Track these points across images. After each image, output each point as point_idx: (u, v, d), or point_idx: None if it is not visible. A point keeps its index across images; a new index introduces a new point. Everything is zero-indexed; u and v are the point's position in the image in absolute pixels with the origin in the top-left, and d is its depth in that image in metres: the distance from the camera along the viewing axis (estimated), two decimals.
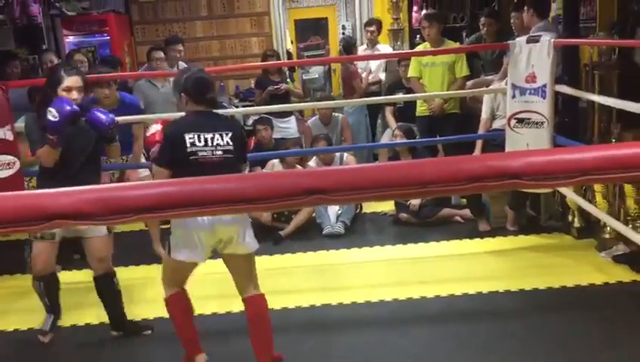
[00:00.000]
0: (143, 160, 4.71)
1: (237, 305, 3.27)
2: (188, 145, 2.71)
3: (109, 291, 3.48)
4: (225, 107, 6.25)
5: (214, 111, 2.92)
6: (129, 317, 3.70)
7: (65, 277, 4.47)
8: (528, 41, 4.15)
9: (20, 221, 0.69)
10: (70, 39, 6.91)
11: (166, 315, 3.69)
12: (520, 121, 4.24)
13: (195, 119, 2.82)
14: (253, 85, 6.64)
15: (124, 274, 4.44)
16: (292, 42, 9.22)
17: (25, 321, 3.77)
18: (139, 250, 4.81)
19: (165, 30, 7.46)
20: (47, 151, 3.16)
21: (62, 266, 4.57)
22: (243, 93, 7.33)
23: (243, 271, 2.96)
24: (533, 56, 4.10)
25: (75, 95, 3.10)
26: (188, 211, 0.70)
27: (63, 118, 2.97)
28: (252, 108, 6.10)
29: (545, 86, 4.06)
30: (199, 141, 2.72)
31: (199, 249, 2.82)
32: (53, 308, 3.54)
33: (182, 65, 5.80)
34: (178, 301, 3.01)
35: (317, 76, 9.45)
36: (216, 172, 2.64)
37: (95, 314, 3.77)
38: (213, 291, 3.79)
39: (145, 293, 4.11)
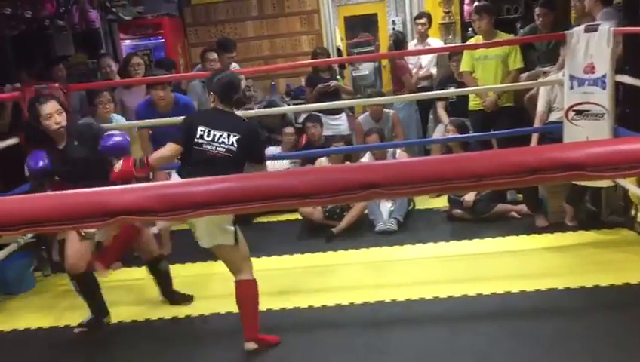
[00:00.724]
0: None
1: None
2: (197, 135, 3.07)
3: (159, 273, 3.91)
4: (278, 105, 6.29)
5: (235, 112, 3.20)
6: (193, 314, 3.79)
7: (126, 274, 4.63)
8: (587, 30, 4.02)
9: (85, 217, 0.72)
10: (126, 43, 7.11)
11: (222, 311, 3.79)
12: (579, 112, 4.11)
13: (213, 115, 3.16)
14: (303, 83, 6.67)
15: (184, 271, 4.56)
16: (342, 39, 9.21)
17: (87, 316, 3.90)
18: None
19: (217, 31, 7.57)
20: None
21: (122, 264, 4.74)
22: (294, 91, 7.37)
23: (224, 260, 3.24)
24: (592, 45, 3.97)
25: (57, 119, 3.36)
26: (246, 206, 0.71)
27: (33, 173, 3.44)
28: (303, 106, 6.12)
29: (604, 76, 3.92)
30: (208, 135, 3.05)
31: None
32: (91, 306, 3.64)
33: (234, 66, 5.89)
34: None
35: (367, 73, 9.40)
36: (213, 163, 3.00)
37: (153, 309, 3.89)
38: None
39: (202, 290, 4.19)
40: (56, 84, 4.29)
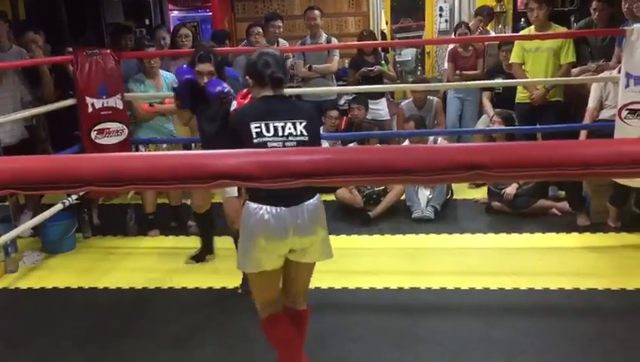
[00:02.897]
0: None
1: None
2: (254, 135, 2.43)
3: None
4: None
5: (286, 96, 2.65)
6: (220, 285, 3.85)
7: (163, 242, 4.71)
8: None
9: (187, 178, 0.72)
10: (174, 14, 7.15)
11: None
12: (633, 112, 4.00)
13: (263, 106, 2.51)
14: (347, 65, 6.63)
15: (221, 244, 4.61)
16: (387, 23, 9.12)
17: (126, 279, 3.99)
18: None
19: (264, 7, 7.55)
20: (177, 112, 4.01)
21: (160, 232, 4.81)
22: (338, 71, 7.33)
23: (301, 279, 2.69)
24: None
25: (205, 79, 3.54)
26: (346, 179, 0.70)
27: (181, 83, 3.57)
28: (344, 87, 6.08)
29: None
30: (267, 131, 2.43)
31: (267, 256, 2.49)
32: (203, 243, 4.25)
33: (282, 42, 5.88)
34: (273, 325, 2.65)
35: (410, 58, 9.31)
36: None
37: (191, 279, 3.95)
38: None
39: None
40: (108, 50, 4.34)
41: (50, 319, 3.54)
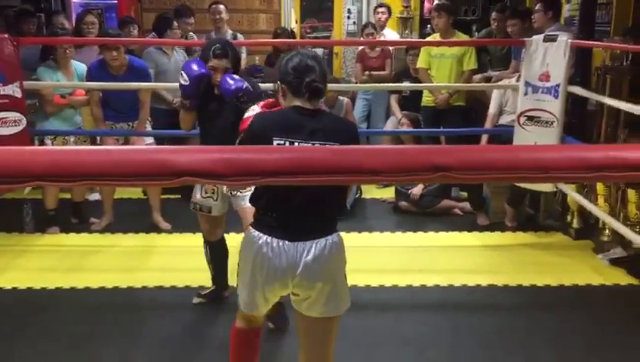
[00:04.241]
0: (149, 127, 4.67)
1: None
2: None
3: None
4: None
5: (322, 109, 2.24)
6: (127, 284, 3.71)
7: (63, 240, 4.47)
8: (545, 40, 4.16)
9: (149, 175, 0.68)
10: (76, 0, 6.79)
11: (166, 284, 3.72)
12: (530, 118, 4.27)
13: (291, 118, 2.10)
14: (257, 61, 6.58)
15: (124, 242, 4.45)
16: (296, 22, 9.16)
17: (22, 279, 3.74)
18: (138, 217, 4.81)
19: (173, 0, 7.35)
20: (183, 115, 3.26)
21: (61, 229, 4.57)
22: (248, 68, 7.26)
23: (316, 339, 2.21)
24: (549, 55, 4.12)
25: (219, 77, 3.04)
26: (313, 178, 0.69)
27: (193, 80, 2.99)
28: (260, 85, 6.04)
29: (558, 86, 4.08)
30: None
31: (263, 298, 2.18)
32: (214, 277, 3.48)
33: (191, 36, 5.75)
34: (237, 338, 2.41)
35: None
36: (306, 194, 2.03)
37: (94, 278, 3.77)
38: None
39: (143, 262, 4.10)
40: (5, 35, 4.05)
41: None
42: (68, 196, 4.76)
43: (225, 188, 3.12)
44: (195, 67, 3.02)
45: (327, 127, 2.11)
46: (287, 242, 2.04)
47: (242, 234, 2.88)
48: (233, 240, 3.46)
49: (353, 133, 2.21)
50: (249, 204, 2.28)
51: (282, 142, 2.04)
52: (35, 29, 4.93)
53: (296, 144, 2.04)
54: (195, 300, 3.49)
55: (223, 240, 3.42)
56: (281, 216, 2.08)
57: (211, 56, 3.03)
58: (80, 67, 4.54)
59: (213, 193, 3.24)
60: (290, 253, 2.04)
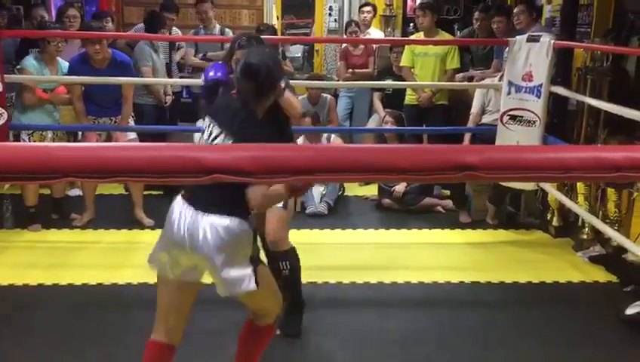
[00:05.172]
0: (131, 123, 4.62)
1: None
2: (204, 127, 2.32)
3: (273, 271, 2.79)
4: None
5: (248, 106, 2.29)
6: (110, 281, 3.66)
7: (45, 236, 4.41)
8: (528, 40, 4.22)
9: (179, 172, 0.68)
10: None
11: (150, 281, 3.69)
12: (513, 118, 4.32)
13: (222, 104, 2.42)
14: None
15: (107, 238, 4.41)
16: (278, 18, 9.13)
17: (4, 276, 3.68)
18: (120, 214, 4.77)
19: None
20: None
21: (42, 225, 4.50)
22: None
23: (247, 303, 2.39)
24: (532, 55, 4.18)
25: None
26: (341, 176, 0.70)
27: (206, 84, 3.02)
28: None
29: (541, 85, 4.14)
30: (207, 128, 2.28)
31: (170, 259, 2.24)
32: (292, 299, 3.12)
33: (175, 31, 5.71)
34: (147, 349, 2.31)
35: (298, 55, 9.39)
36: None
37: (77, 275, 3.73)
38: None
39: (126, 258, 4.06)
40: None
41: None
42: (48, 192, 4.69)
43: None
44: (211, 72, 3.02)
45: (237, 122, 2.24)
46: (192, 209, 2.15)
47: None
48: None
49: (260, 133, 2.27)
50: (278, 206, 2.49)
51: (208, 121, 2.29)
52: (6, 21, 4.82)
53: (213, 127, 2.26)
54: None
55: (294, 250, 3.16)
56: (195, 186, 2.18)
57: (236, 48, 3.03)
58: (65, 65, 4.48)
59: None
60: (190, 221, 2.15)
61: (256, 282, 2.19)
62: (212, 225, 2.13)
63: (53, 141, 4.37)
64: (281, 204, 2.77)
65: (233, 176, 0.68)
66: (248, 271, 2.18)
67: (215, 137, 2.24)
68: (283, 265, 2.98)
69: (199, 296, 2.33)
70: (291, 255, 3.04)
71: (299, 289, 3.13)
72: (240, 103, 2.28)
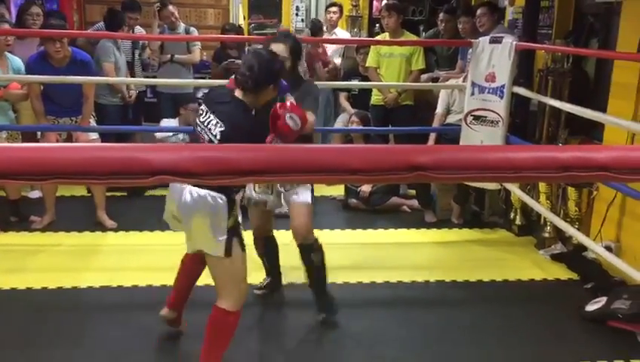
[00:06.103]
0: (93, 122, 4.53)
1: None
2: (201, 112, 2.60)
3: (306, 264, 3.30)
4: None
5: (239, 97, 2.55)
6: (71, 284, 3.59)
7: (1, 239, 4.29)
8: (491, 41, 4.27)
9: (126, 174, 0.65)
10: None
11: (112, 284, 3.62)
12: (476, 118, 4.37)
13: (217, 93, 2.69)
14: (205, 57, 6.49)
15: (68, 241, 4.32)
16: (244, 18, 9.08)
17: None
18: (82, 216, 4.68)
19: None
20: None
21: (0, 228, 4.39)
22: (199, 63, 7.15)
23: (212, 272, 2.64)
24: (495, 56, 4.23)
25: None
26: (289, 177, 0.68)
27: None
28: (208, 80, 5.97)
29: (503, 86, 4.19)
30: (203, 116, 2.56)
31: (168, 217, 2.74)
32: (269, 269, 3.61)
33: (138, 29, 5.62)
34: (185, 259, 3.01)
35: None
36: None
37: (36, 278, 3.64)
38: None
39: (88, 261, 3.98)
40: None
41: None
42: (3, 194, 4.57)
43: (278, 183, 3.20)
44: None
45: (228, 111, 2.52)
46: None
47: (290, 231, 3.17)
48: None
49: (246, 121, 2.56)
50: (302, 199, 3.01)
51: (204, 108, 2.58)
52: None
53: (208, 114, 2.54)
54: (257, 292, 3.55)
55: (273, 236, 3.53)
56: None
57: (272, 41, 3.06)
58: (15, 61, 4.36)
59: (267, 187, 3.20)
60: (181, 187, 2.50)
61: (227, 254, 2.49)
62: (191, 191, 2.48)
63: (7, 141, 4.26)
64: (308, 199, 3.14)
65: (179, 177, 0.66)
66: (221, 238, 2.47)
67: (209, 122, 2.52)
68: (315, 256, 3.24)
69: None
70: (320, 246, 3.28)
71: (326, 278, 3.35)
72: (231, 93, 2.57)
